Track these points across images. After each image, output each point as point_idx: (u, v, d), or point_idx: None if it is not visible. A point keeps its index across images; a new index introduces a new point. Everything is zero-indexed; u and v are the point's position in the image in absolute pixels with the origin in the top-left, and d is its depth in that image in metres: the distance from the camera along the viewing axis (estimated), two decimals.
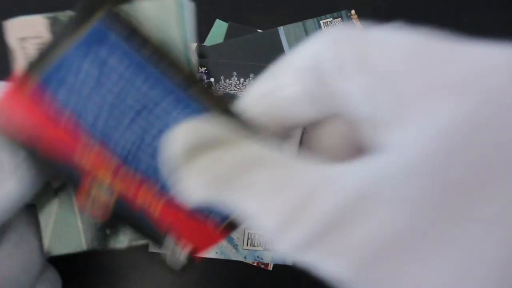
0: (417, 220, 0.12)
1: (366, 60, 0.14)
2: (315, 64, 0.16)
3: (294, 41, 0.30)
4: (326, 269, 0.13)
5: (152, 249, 0.29)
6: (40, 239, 0.22)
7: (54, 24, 0.20)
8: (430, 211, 0.12)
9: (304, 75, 0.16)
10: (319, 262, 0.13)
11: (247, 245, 0.27)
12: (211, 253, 0.26)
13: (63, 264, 0.23)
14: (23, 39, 0.21)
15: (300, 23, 0.30)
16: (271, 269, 0.28)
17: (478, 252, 0.12)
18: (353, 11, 0.32)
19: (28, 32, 0.21)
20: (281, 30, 0.29)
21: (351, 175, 0.13)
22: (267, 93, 0.17)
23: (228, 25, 0.30)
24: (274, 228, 0.14)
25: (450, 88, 0.13)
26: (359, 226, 0.12)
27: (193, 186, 0.15)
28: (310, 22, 0.31)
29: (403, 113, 0.14)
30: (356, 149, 0.18)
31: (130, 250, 0.28)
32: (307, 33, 0.30)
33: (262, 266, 0.28)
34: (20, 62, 0.21)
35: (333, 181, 0.13)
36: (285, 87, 0.16)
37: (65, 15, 0.21)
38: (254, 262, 0.27)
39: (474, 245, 0.12)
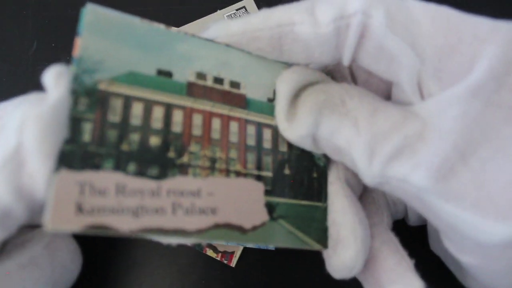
0: (468, 132, 0.16)
1: (403, 17, 0.17)
2: (362, 16, 0.17)
3: None
4: (411, 184, 0.16)
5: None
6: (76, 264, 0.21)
7: None
8: (476, 125, 0.16)
9: (344, 23, 0.17)
10: (404, 176, 0.16)
11: None
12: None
13: None
14: None
15: None
16: (233, 265, 0.28)
17: None
18: None
19: None
20: None
21: (425, 107, 0.17)
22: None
23: None
24: (368, 148, 0.17)
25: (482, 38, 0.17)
26: (430, 142, 0.16)
27: (301, 114, 0.18)
28: None
29: (441, 68, 0.17)
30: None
31: (130, 250, 0.27)
32: None
33: (225, 261, 0.27)
34: None
35: (412, 114, 0.17)
36: (320, 25, 0.17)
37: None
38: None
39: None
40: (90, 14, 0.16)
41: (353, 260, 0.18)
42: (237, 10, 0.31)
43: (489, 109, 0.16)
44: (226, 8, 0.30)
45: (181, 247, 0.27)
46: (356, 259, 0.18)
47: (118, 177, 0.16)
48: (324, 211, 0.20)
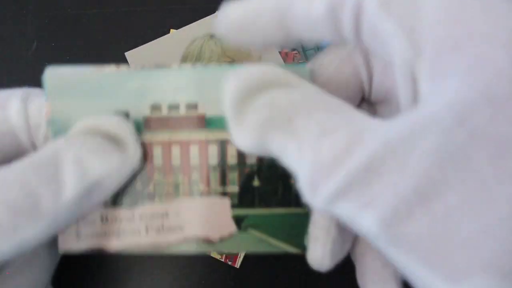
0: (439, 171, 0.13)
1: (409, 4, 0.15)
2: None
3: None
4: (358, 224, 0.14)
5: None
6: (53, 255, 0.22)
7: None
8: (451, 163, 0.13)
9: (337, 2, 0.16)
10: (350, 216, 0.14)
11: None
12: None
13: (60, 265, 0.23)
14: None
15: None
16: (237, 266, 0.27)
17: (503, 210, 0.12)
18: None
19: None
20: None
21: (383, 129, 0.14)
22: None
23: None
24: (309, 178, 0.15)
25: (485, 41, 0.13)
26: (383, 178, 0.13)
27: (245, 129, 0.17)
28: None
29: (438, 65, 0.14)
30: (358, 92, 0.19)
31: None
32: None
33: (230, 262, 0.27)
34: None
35: (374, 129, 0.14)
36: (313, 4, 0.16)
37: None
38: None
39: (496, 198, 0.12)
40: (50, 79, 0.19)
41: (319, 259, 0.19)
42: None
43: (474, 143, 0.12)
44: None
45: None
46: (323, 259, 0.18)
47: (101, 210, 0.20)
48: (305, 216, 0.20)
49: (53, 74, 0.19)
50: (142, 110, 0.20)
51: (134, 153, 0.19)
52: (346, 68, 0.19)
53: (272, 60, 0.31)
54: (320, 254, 0.18)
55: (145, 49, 0.30)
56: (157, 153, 0.20)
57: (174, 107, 0.20)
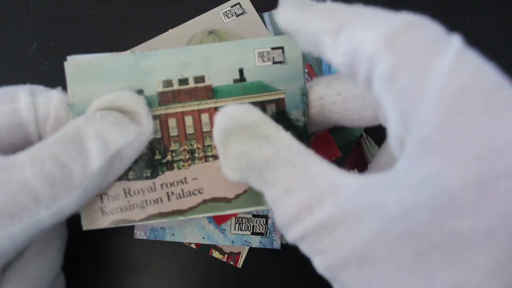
0: (375, 246, 0.15)
1: (416, 86, 0.15)
2: (369, 60, 0.16)
3: (279, 27, 0.30)
4: (313, 262, 0.17)
5: (138, 236, 0.29)
6: (61, 236, 0.23)
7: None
8: (385, 244, 0.15)
9: (355, 61, 0.17)
10: (309, 255, 0.17)
11: (235, 230, 0.27)
12: (198, 237, 0.27)
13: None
14: None
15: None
16: (240, 266, 0.28)
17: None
18: None
19: None
20: (266, 16, 0.30)
21: (345, 193, 0.16)
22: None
23: None
24: (279, 222, 0.18)
25: (472, 158, 0.14)
26: (336, 238, 0.16)
27: (227, 169, 0.20)
28: None
29: (416, 155, 0.15)
30: None
31: (130, 250, 0.28)
32: None
33: (232, 262, 0.28)
34: None
35: (334, 191, 0.16)
36: (337, 53, 0.18)
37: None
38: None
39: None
40: (70, 66, 0.21)
41: None
42: (232, 6, 0.30)
43: (407, 238, 0.15)
44: (222, 6, 0.30)
45: (181, 247, 0.28)
46: None
47: (123, 185, 0.22)
48: None
49: (72, 62, 0.21)
50: (155, 87, 0.22)
51: (147, 124, 0.21)
52: (366, 110, 0.22)
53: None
54: None
55: (144, 48, 0.31)
56: (172, 124, 0.22)
57: (183, 81, 0.22)
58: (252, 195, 0.22)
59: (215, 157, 0.22)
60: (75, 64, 0.21)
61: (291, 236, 0.17)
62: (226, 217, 0.28)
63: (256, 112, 0.20)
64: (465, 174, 0.14)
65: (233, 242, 0.26)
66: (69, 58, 0.22)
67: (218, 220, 0.27)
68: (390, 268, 0.15)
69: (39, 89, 0.22)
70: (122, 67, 0.22)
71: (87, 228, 0.22)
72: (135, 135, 0.21)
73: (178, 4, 0.31)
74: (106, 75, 0.22)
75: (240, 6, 0.31)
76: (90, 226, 0.22)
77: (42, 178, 0.18)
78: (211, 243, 0.27)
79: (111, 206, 0.22)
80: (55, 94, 0.22)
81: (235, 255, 0.28)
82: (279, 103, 0.22)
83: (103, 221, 0.22)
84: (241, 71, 0.22)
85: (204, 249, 0.28)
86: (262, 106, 0.22)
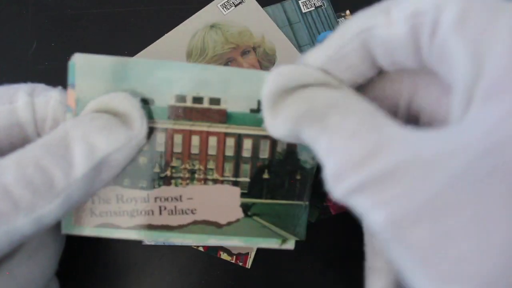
0: (455, 193, 0.14)
1: (486, 33, 0.15)
2: (435, 11, 0.16)
3: (275, 22, 0.28)
4: (369, 219, 0.15)
5: (147, 242, 0.28)
6: (58, 242, 0.22)
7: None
8: (468, 189, 0.14)
9: (418, 20, 0.16)
10: (364, 210, 0.15)
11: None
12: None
13: (60, 265, 0.23)
14: None
15: (279, 5, 0.30)
16: (248, 266, 0.28)
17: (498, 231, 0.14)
18: None
19: None
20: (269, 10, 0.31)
21: (414, 140, 0.15)
22: (367, 29, 0.18)
23: None
24: (335, 170, 0.16)
25: None
26: (404, 185, 0.14)
27: (278, 122, 0.18)
28: (288, 3, 0.28)
29: (493, 93, 0.14)
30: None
31: (129, 250, 0.28)
32: (286, 13, 0.28)
33: (240, 263, 0.27)
34: None
35: (404, 138, 0.15)
36: (394, 25, 0.17)
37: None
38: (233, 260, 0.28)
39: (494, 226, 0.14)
40: (79, 60, 0.20)
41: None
42: None
43: (498, 174, 0.14)
44: None
45: (181, 247, 0.28)
46: None
47: (117, 190, 0.21)
48: (305, 209, 0.22)
49: (81, 57, 0.20)
50: (167, 99, 0.21)
51: (140, 129, 0.20)
52: (388, 88, 0.20)
53: (278, 44, 0.32)
54: (383, 286, 0.19)
55: (148, 52, 0.30)
56: (177, 140, 0.21)
57: (198, 99, 0.21)
58: (243, 225, 0.22)
59: (216, 181, 0.22)
60: (86, 59, 0.20)
61: (349, 184, 0.15)
62: None
63: (317, 71, 0.19)
64: None
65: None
66: (77, 54, 0.20)
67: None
68: (476, 213, 0.14)
69: (39, 88, 0.21)
70: (135, 72, 0.20)
71: (75, 225, 0.22)
72: (125, 140, 0.20)
73: (178, 4, 0.31)
74: (116, 76, 0.20)
75: None
76: (77, 224, 0.22)
77: (23, 184, 0.17)
78: (219, 245, 0.27)
79: (101, 209, 0.22)
80: (54, 94, 0.20)
81: (243, 256, 0.28)
82: (291, 142, 0.22)
83: (89, 222, 0.22)
84: (259, 102, 0.21)
85: (213, 251, 0.28)
86: (273, 141, 0.22)
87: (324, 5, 0.31)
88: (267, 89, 0.19)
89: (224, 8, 0.30)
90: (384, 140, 0.15)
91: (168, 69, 0.20)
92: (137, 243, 0.28)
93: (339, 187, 0.16)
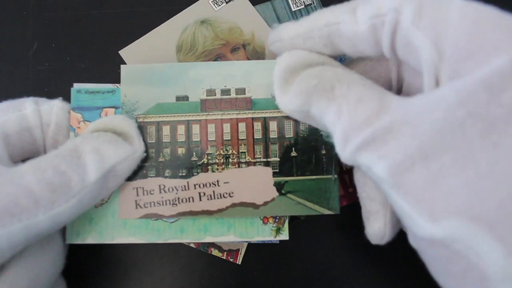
0: (439, 138, 0.16)
1: (439, 18, 0.18)
2: (394, 13, 0.19)
3: (264, 21, 0.30)
4: (374, 171, 0.18)
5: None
6: (63, 244, 0.23)
7: None
8: (450, 133, 0.16)
9: (378, 20, 0.19)
10: (369, 164, 0.18)
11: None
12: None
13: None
14: None
15: (268, 3, 0.30)
16: (239, 262, 0.28)
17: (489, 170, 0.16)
18: None
19: None
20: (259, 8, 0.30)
21: (404, 103, 0.18)
22: (329, 24, 0.21)
23: None
24: (344, 132, 0.19)
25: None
26: (398, 138, 0.17)
27: (291, 96, 0.21)
28: (278, 2, 0.31)
29: (455, 69, 0.17)
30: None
31: (130, 250, 0.28)
32: (276, 12, 0.31)
33: (231, 259, 0.28)
34: None
35: (398, 101, 0.18)
36: (358, 24, 0.20)
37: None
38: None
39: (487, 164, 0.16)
40: (123, 71, 0.24)
41: (381, 230, 0.22)
42: None
43: (469, 120, 0.16)
44: None
45: (181, 247, 0.28)
46: (385, 229, 0.21)
47: (159, 181, 0.23)
48: (335, 182, 0.24)
49: (126, 66, 0.24)
50: (199, 94, 0.24)
51: (139, 144, 0.23)
52: (379, 66, 0.23)
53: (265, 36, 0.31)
54: (381, 225, 0.21)
55: (138, 45, 0.30)
56: (211, 129, 0.24)
57: (226, 91, 0.24)
58: (279, 204, 0.23)
59: (248, 163, 0.24)
60: (129, 68, 0.24)
61: (357, 142, 0.18)
62: None
63: (318, 54, 0.22)
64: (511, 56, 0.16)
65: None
66: (122, 66, 0.24)
67: None
68: (457, 153, 0.16)
69: (42, 99, 0.24)
70: (171, 74, 0.24)
71: (122, 218, 0.23)
72: (129, 152, 0.22)
73: (178, 5, 0.31)
74: (155, 80, 0.24)
75: None
76: (123, 216, 0.23)
77: (43, 184, 0.19)
78: (211, 241, 0.26)
79: (145, 200, 0.23)
80: (57, 102, 0.24)
81: (234, 252, 0.28)
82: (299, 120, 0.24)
83: (135, 213, 0.23)
84: None
85: (203, 247, 0.28)
86: (295, 121, 0.24)
87: (314, 3, 0.32)
88: (279, 68, 0.22)
89: (216, 5, 0.31)
90: (382, 105, 0.18)
91: (198, 68, 0.24)
92: (139, 243, 0.27)
93: (347, 147, 0.19)
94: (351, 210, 0.27)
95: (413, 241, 0.19)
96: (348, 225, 0.29)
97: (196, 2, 0.30)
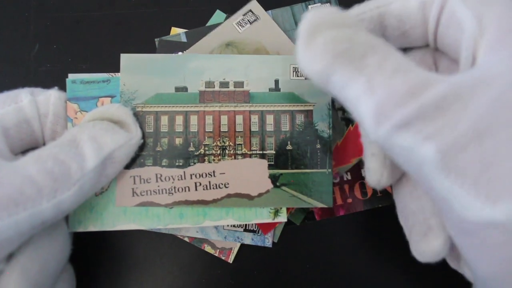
0: (494, 114, 0.15)
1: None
2: None
3: (282, 25, 0.31)
4: (419, 153, 0.16)
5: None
6: (67, 236, 0.23)
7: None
8: (505, 109, 0.15)
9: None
10: (411, 145, 0.16)
11: (228, 226, 0.27)
12: (191, 231, 0.27)
13: None
14: None
15: (288, 7, 0.30)
16: (230, 261, 0.28)
17: None
18: None
19: None
20: (269, 13, 0.30)
21: (450, 78, 0.16)
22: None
23: (226, 16, 0.31)
24: (377, 108, 0.16)
25: None
26: (449, 116, 0.15)
27: (313, 55, 0.17)
28: (298, 7, 0.31)
29: (494, 45, 0.17)
30: None
31: (130, 250, 0.28)
32: (294, 17, 0.31)
33: (223, 257, 0.28)
34: None
35: (434, 81, 0.16)
36: (410, 1, 0.20)
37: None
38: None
39: None
40: (123, 60, 0.24)
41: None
42: (244, 15, 0.31)
43: None
44: (234, 16, 0.30)
45: (181, 247, 0.29)
46: (382, 171, 0.21)
47: (156, 170, 0.24)
48: (328, 176, 0.24)
49: (126, 55, 0.24)
50: (198, 85, 0.24)
51: (136, 131, 0.23)
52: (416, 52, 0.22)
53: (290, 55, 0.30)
54: (379, 167, 0.21)
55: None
56: (208, 121, 0.24)
57: (224, 84, 0.24)
58: (273, 196, 0.24)
59: (244, 155, 0.24)
60: (129, 57, 0.24)
61: (395, 120, 0.16)
62: (271, 226, 0.29)
63: (349, 17, 0.19)
64: None
65: (225, 237, 0.27)
66: (122, 54, 0.24)
67: (264, 229, 0.28)
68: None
69: (37, 89, 0.24)
70: (171, 65, 0.24)
71: (118, 205, 0.23)
72: (126, 139, 0.22)
73: (179, 6, 0.31)
74: (155, 70, 0.24)
75: (252, 13, 0.31)
76: (120, 204, 0.23)
77: (45, 174, 0.19)
78: (204, 238, 0.27)
79: (142, 188, 0.23)
80: (53, 92, 0.24)
81: (226, 251, 0.29)
82: (308, 114, 0.24)
83: (131, 201, 0.23)
84: (276, 82, 0.25)
85: (197, 243, 0.28)
86: (291, 114, 0.24)
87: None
88: (307, 20, 0.18)
89: (240, 26, 0.31)
90: (426, 77, 0.16)
91: (199, 60, 0.24)
92: (139, 242, 0.28)
93: (383, 125, 0.16)
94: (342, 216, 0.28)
95: (454, 228, 0.18)
96: (346, 229, 0.29)
97: (221, 25, 0.30)
